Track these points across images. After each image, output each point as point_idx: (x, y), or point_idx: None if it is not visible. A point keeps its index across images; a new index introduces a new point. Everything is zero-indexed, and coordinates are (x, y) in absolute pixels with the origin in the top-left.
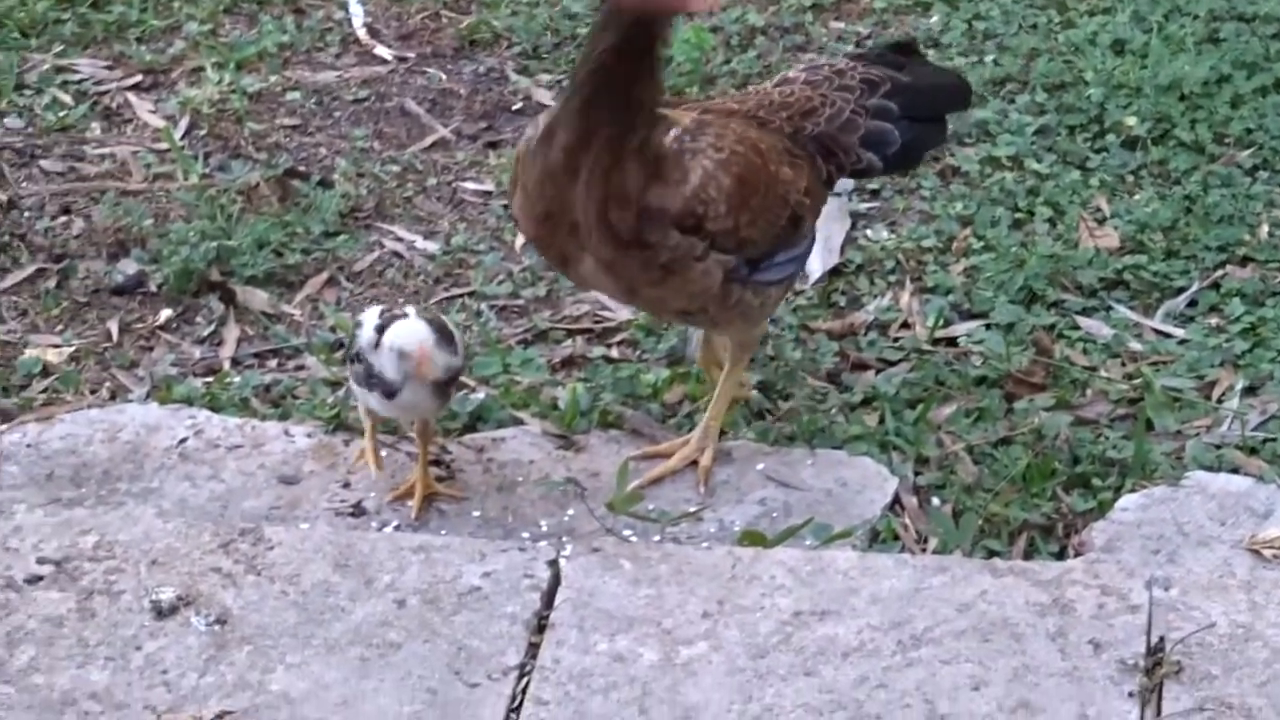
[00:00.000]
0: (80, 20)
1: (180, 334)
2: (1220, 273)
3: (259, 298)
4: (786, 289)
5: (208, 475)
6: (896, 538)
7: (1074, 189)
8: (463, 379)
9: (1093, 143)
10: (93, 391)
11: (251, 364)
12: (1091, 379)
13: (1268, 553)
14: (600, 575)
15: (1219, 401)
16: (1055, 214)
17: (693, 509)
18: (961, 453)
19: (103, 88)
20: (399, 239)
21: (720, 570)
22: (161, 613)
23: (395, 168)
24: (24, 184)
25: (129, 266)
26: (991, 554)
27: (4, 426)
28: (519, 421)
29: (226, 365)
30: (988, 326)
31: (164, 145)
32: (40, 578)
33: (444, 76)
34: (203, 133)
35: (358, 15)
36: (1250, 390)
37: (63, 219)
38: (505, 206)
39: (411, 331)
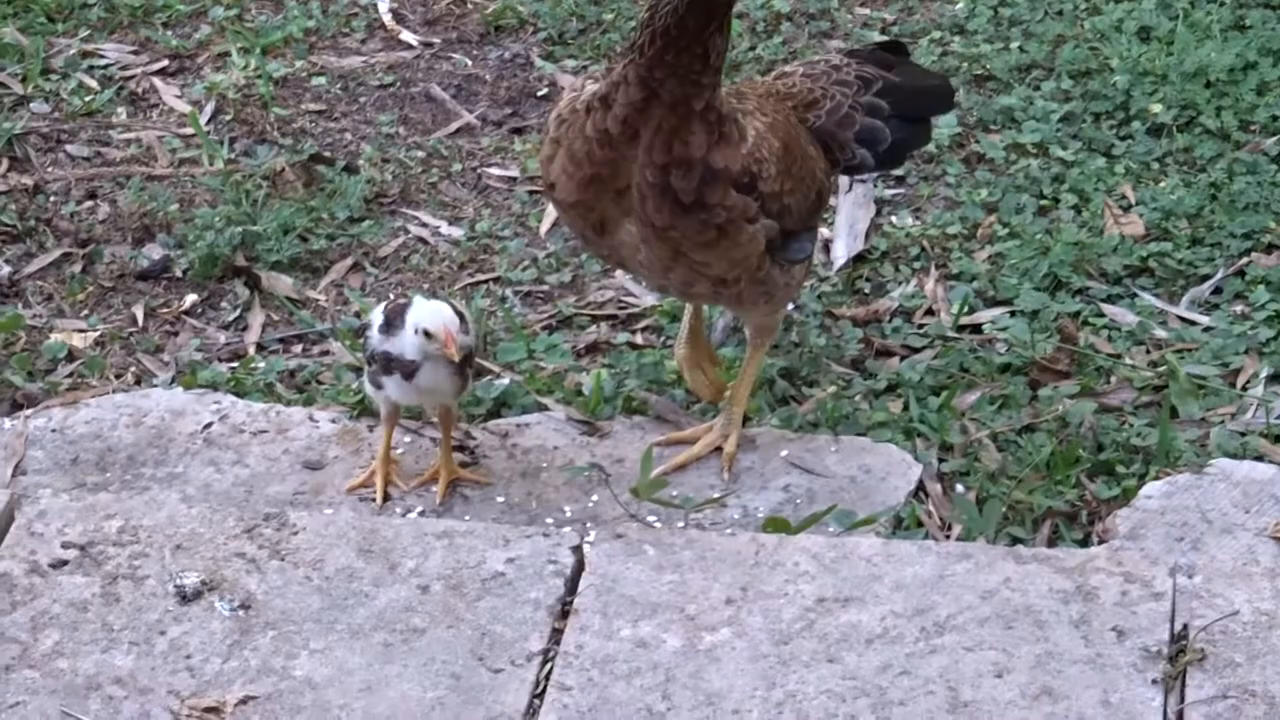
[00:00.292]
0: (106, 5)
1: (205, 319)
2: (1245, 260)
3: (284, 283)
4: (806, 271)
5: (232, 460)
6: (920, 525)
7: (1099, 176)
8: (486, 364)
9: (1118, 130)
10: (118, 376)
11: (276, 349)
12: (1116, 366)
13: None
14: (624, 561)
15: (1244, 389)
16: (1080, 201)
17: (717, 495)
18: (986, 440)
19: (129, 73)
20: (424, 224)
21: (744, 557)
22: (185, 598)
23: (420, 153)
24: (50, 169)
25: (154, 251)
26: (1015, 541)
27: (29, 411)
28: (543, 407)
29: (251, 350)
30: (1012, 313)
31: (189, 130)
32: (65, 562)
33: (469, 62)
34: (228, 118)
35: (383, 1)
36: (1275, 377)
37: (88, 204)
38: (532, 190)
39: (436, 313)
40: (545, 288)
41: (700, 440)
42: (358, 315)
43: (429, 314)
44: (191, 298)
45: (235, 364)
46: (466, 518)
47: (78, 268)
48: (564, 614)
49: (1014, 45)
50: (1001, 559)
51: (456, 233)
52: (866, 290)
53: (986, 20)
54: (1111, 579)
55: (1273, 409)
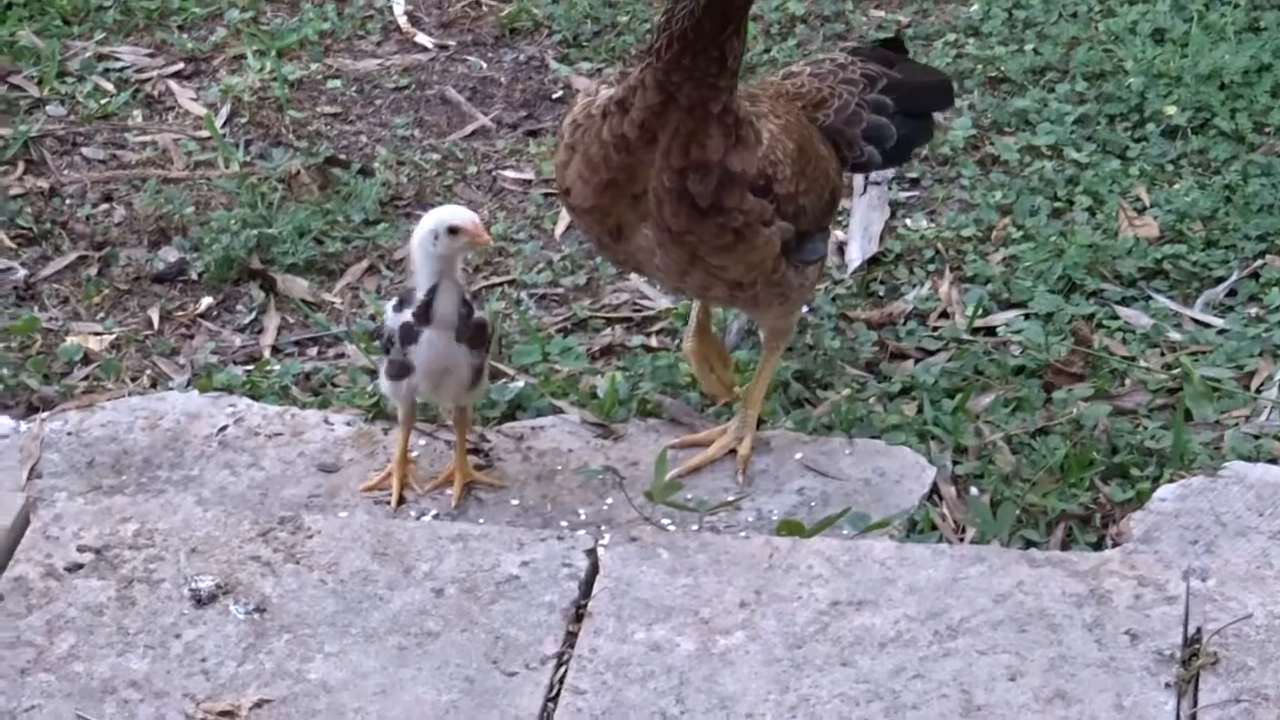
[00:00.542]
0: (122, 7)
1: (221, 322)
2: (1260, 262)
3: (299, 286)
4: (819, 273)
5: (248, 463)
6: (934, 528)
7: (1113, 178)
8: (501, 367)
9: (1132, 132)
10: (133, 379)
11: (292, 352)
12: (1130, 369)
13: None
14: (638, 564)
15: (1258, 391)
16: (1095, 203)
17: (731, 498)
18: (1000, 442)
19: (144, 75)
20: None
21: (758, 560)
22: (201, 601)
23: (435, 156)
24: (66, 171)
25: (170, 254)
26: (1029, 544)
27: (45, 414)
28: (558, 410)
29: (267, 353)
30: (1027, 316)
31: (205, 133)
32: (80, 566)
33: (484, 65)
34: (244, 120)
35: (399, 3)
36: None
37: (104, 206)
38: (547, 192)
39: (454, 210)
40: (560, 290)
41: (715, 443)
42: (373, 318)
43: (448, 212)
44: (207, 300)
45: (250, 367)
46: (481, 521)
47: (93, 270)
48: (578, 617)
49: (1028, 47)
50: (1015, 562)
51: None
52: (881, 293)
53: (1001, 22)
54: (1125, 582)
55: None
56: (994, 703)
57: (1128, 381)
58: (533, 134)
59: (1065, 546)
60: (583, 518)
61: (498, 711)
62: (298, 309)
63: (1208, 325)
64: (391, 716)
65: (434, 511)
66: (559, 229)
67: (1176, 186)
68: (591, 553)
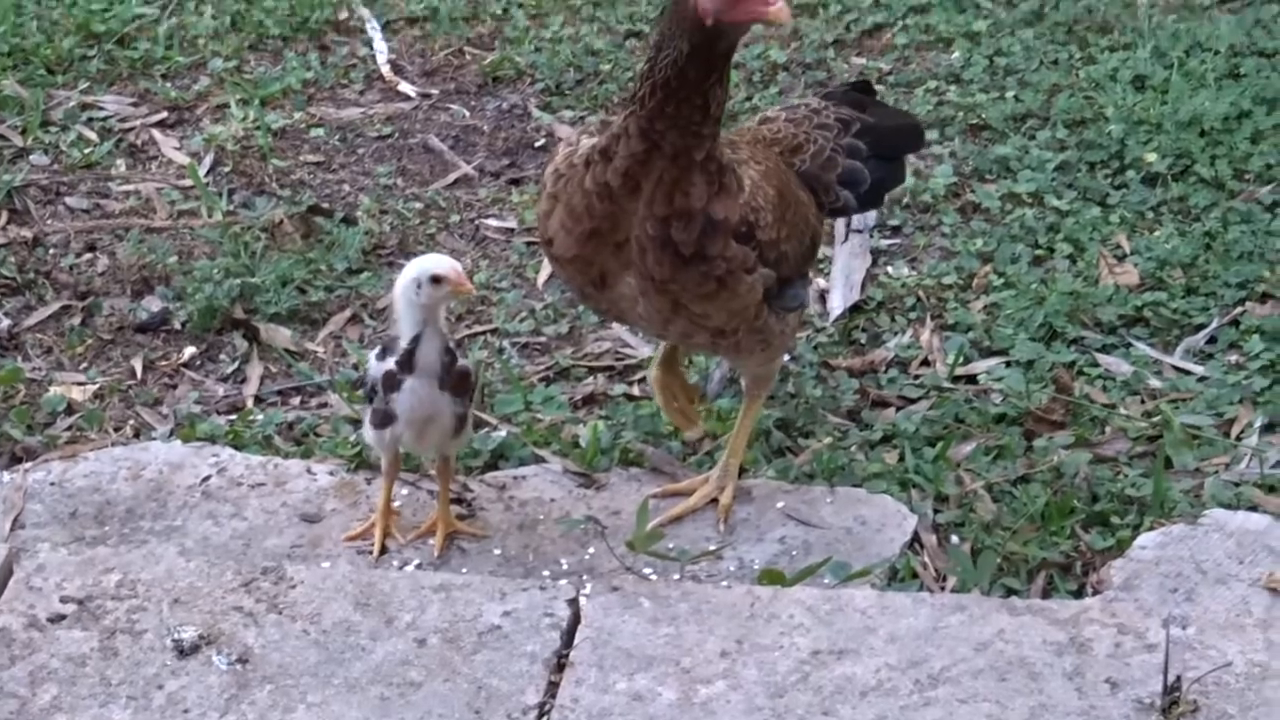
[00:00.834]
0: (106, 57)
1: (204, 371)
2: (1240, 309)
3: (282, 335)
4: (799, 319)
5: (230, 513)
6: (915, 576)
7: (1094, 225)
8: (484, 416)
9: (1113, 179)
10: (117, 429)
11: (275, 401)
12: (1111, 416)
13: None
14: (620, 614)
15: (1238, 439)
16: (1075, 250)
17: (713, 547)
18: (981, 490)
19: (128, 124)
20: None
21: (739, 609)
22: (183, 651)
23: (418, 205)
24: (49, 221)
25: (153, 304)
26: (1010, 592)
27: (29, 464)
28: (540, 459)
29: (250, 403)
30: (1008, 364)
31: (188, 182)
32: (63, 616)
33: (467, 113)
34: (227, 169)
35: (382, 52)
36: (1269, 428)
37: (87, 256)
38: (529, 241)
39: (437, 259)
40: (542, 339)
41: (696, 492)
42: (356, 367)
43: (431, 261)
44: (190, 350)
45: (234, 417)
46: (464, 570)
47: (77, 320)
48: (560, 667)
49: (1009, 94)
50: (995, 611)
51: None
52: (862, 341)
53: (982, 69)
54: (1105, 630)
55: (1267, 459)
56: None
57: (1108, 429)
58: (515, 182)
59: (1046, 594)
60: (565, 567)
61: None
62: (281, 358)
63: (1188, 372)
64: None
65: (417, 561)
66: (541, 278)
67: (1157, 234)
68: (573, 602)
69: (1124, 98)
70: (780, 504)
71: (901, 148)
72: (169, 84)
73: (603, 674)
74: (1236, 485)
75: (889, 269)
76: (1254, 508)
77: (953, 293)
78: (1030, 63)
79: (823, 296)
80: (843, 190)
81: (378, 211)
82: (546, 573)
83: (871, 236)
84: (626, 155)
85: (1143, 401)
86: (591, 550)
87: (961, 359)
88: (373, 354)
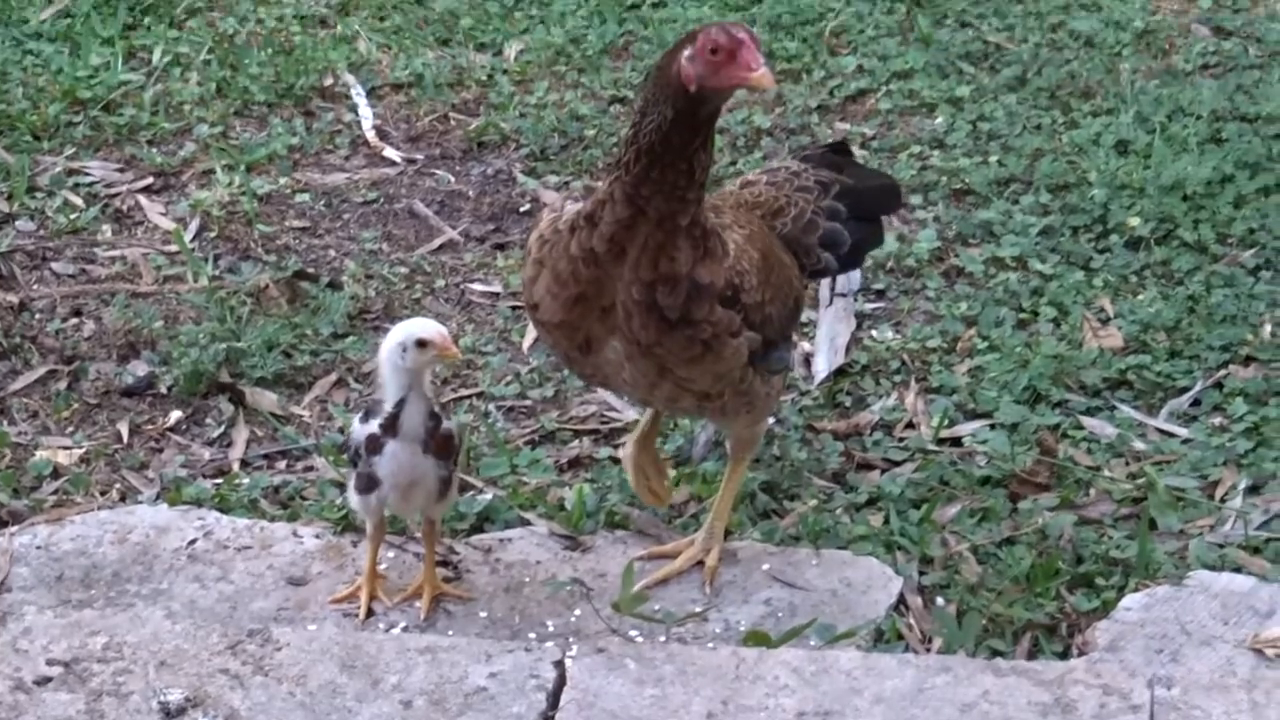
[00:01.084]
0: (92, 123)
1: (190, 435)
2: (1223, 372)
3: (268, 399)
4: (784, 382)
5: (216, 576)
6: (901, 638)
7: (1078, 289)
8: (469, 479)
9: (1096, 243)
10: (103, 493)
11: (261, 465)
12: (1095, 478)
13: (1270, 652)
14: (605, 675)
15: (1222, 501)
16: (1059, 314)
17: (698, 609)
18: (966, 552)
19: (114, 190)
20: None
21: (725, 670)
22: (170, 714)
23: (404, 269)
24: (35, 286)
25: (139, 368)
26: (996, 653)
27: (15, 528)
28: (526, 522)
29: (236, 466)
30: (992, 426)
31: (174, 247)
32: (49, 679)
33: (452, 178)
34: (213, 234)
35: (367, 117)
36: (1253, 489)
37: (73, 321)
38: (515, 305)
39: (423, 323)
40: (528, 403)
41: (682, 555)
42: (341, 431)
43: (417, 325)
44: (176, 414)
45: (220, 480)
46: (450, 633)
47: (63, 385)
48: None
49: (993, 159)
50: (980, 671)
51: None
52: (847, 404)
53: (965, 134)
54: (1090, 691)
55: (1251, 521)
56: None
57: (1093, 491)
58: (500, 247)
59: (1032, 656)
60: (551, 629)
61: None
62: (266, 422)
63: (1172, 435)
64: None
65: (403, 624)
66: (527, 342)
67: (1140, 297)
68: (559, 664)
69: (1107, 162)
70: (766, 566)
71: (880, 208)
72: (155, 150)
73: None
74: (1221, 547)
75: (873, 332)
76: (1238, 569)
77: (937, 356)
78: (1013, 128)
79: (807, 360)
80: (824, 252)
81: (363, 276)
82: (532, 635)
83: (856, 300)
84: (612, 221)
85: (1127, 464)
86: (577, 612)
87: (946, 422)
88: (357, 417)
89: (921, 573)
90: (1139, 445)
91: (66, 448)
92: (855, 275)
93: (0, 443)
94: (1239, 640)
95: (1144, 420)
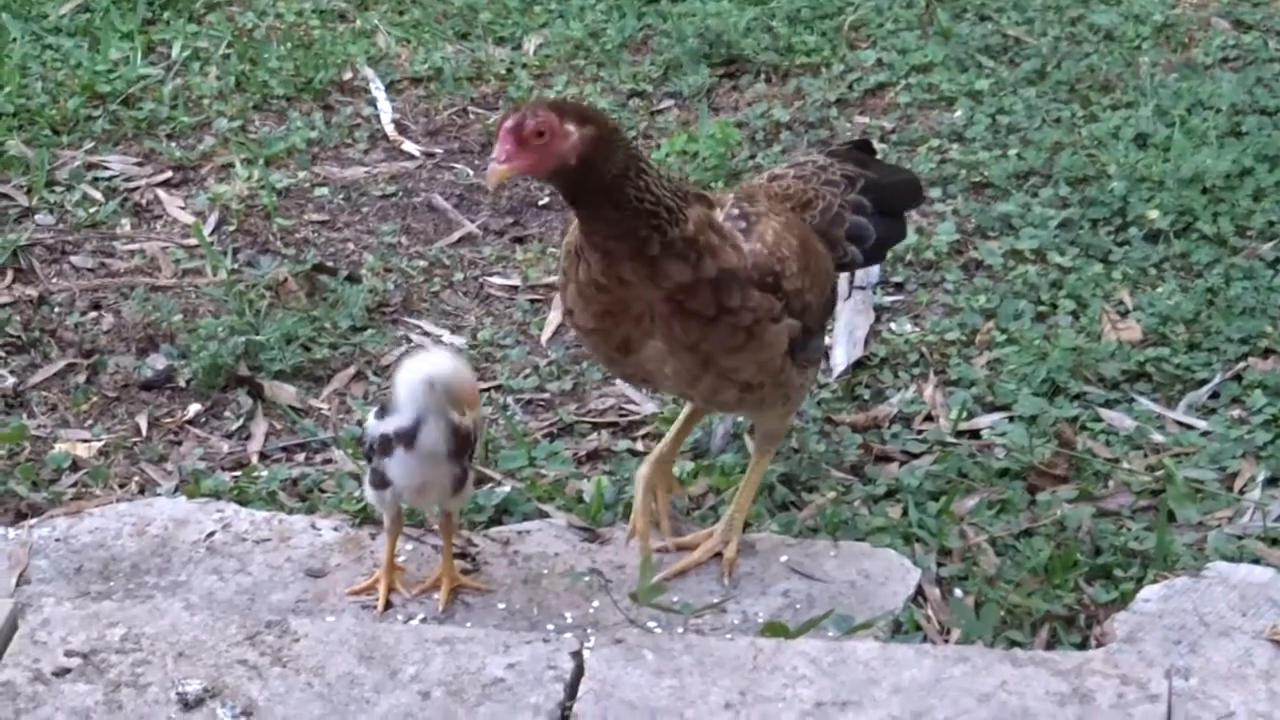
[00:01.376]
0: (111, 117)
1: (209, 428)
2: (1242, 365)
3: (287, 392)
4: (815, 372)
5: (235, 568)
6: (919, 628)
7: (1096, 282)
8: (487, 472)
9: (1115, 236)
10: (122, 485)
11: (279, 458)
12: (1114, 471)
13: None
14: (623, 666)
15: (1241, 493)
16: (1078, 307)
17: (716, 600)
18: (984, 544)
19: (133, 184)
20: (426, 333)
21: (743, 661)
22: (188, 705)
23: (422, 263)
24: (54, 280)
25: (158, 361)
26: (1014, 644)
27: (34, 521)
28: (544, 514)
29: (254, 459)
30: (1011, 419)
31: (193, 241)
32: (68, 670)
33: (471, 172)
34: (232, 228)
35: (386, 111)
36: (1272, 481)
37: (93, 314)
38: (533, 298)
39: (459, 373)
40: (546, 395)
41: (700, 546)
42: (360, 424)
43: (451, 374)
44: (195, 407)
45: (238, 473)
46: (468, 624)
47: (82, 378)
48: (564, 719)
49: (1012, 152)
50: (998, 662)
51: (458, 341)
52: (866, 396)
53: (985, 128)
54: (1108, 681)
55: (1269, 512)
56: None
57: (1111, 483)
58: (519, 240)
59: (1050, 647)
60: (569, 621)
61: None
62: (285, 415)
63: (1191, 427)
64: None
65: (421, 615)
66: (545, 334)
67: (1159, 290)
68: (577, 655)
69: (1126, 155)
70: (784, 558)
71: (903, 203)
72: (174, 144)
73: None
74: (1239, 538)
75: (892, 325)
76: (1257, 560)
77: (956, 349)
78: (1032, 121)
79: (827, 353)
80: (850, 246)
81: (382, 270)
82: (551, 626)
83: (875, 293)
84: (595, 262)
85: (1145, 456)
86: (595, 604)
87: (965, 414)
88: (372, 413)
89: (940, 564)
90: (1157, 437)
91: (85, 441)
92: (874, 268)
93: (19, 436)
94: (1257, 631)
95: (1162, 412)
